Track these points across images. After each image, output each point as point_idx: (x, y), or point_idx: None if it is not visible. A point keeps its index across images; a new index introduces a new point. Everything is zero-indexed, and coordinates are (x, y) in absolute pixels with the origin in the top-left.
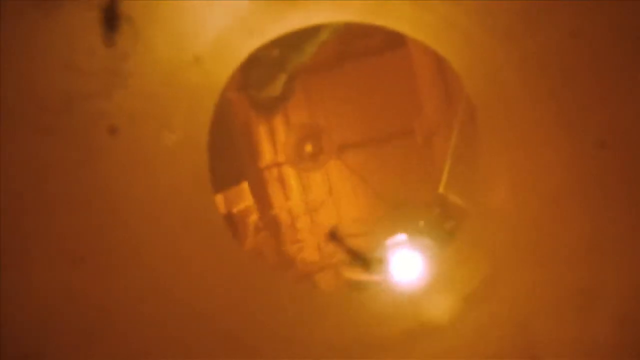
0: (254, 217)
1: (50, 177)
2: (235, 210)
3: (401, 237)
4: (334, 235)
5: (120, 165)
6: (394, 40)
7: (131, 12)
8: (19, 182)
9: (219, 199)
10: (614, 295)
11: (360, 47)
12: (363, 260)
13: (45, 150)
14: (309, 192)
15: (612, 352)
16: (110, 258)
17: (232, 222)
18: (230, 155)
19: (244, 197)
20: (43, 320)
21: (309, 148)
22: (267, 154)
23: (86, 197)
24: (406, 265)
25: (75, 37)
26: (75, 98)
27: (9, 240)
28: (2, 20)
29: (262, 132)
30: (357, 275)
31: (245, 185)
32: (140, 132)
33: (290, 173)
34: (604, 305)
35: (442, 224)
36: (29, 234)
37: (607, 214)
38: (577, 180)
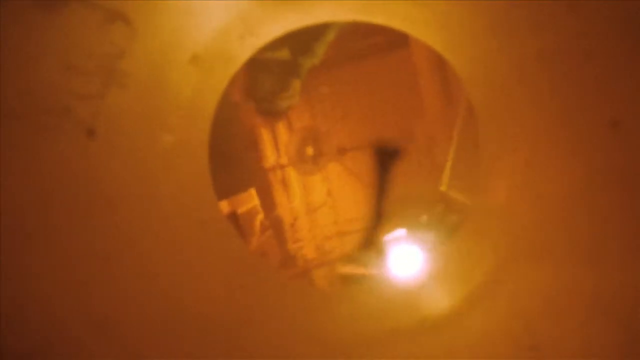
0: (260, 217)
1: (49, 177)
2: (240, 211)
3: (400, 232)
4: (387, 153)
5: (119, 165)
6: (394, 42)
7: (130, 11)
8: (18, 181)
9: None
10: (617, 295)
11: (362, 49)
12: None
13: (45, 150)
14: (309, 194)
15: (614, 353)
16: (111, 258)
17: (238, 222)
18: (231, 157)
19: (249, 198)
20: (44, 321)
21: (309, 151)
22: (270, 156)
23: (85, 197)
24: (405, 260)
25: (74, 38)
26: (74, 98)
27: (8, 241)
28: (2, 20)
29: (264, 133)
30: (350, 269)
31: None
32: (139, 133)
33: (292, 175)
34: (607, 305)
35: (444, 218)
36: (29, 235)
37: (611, 213)
38: (580, 178)
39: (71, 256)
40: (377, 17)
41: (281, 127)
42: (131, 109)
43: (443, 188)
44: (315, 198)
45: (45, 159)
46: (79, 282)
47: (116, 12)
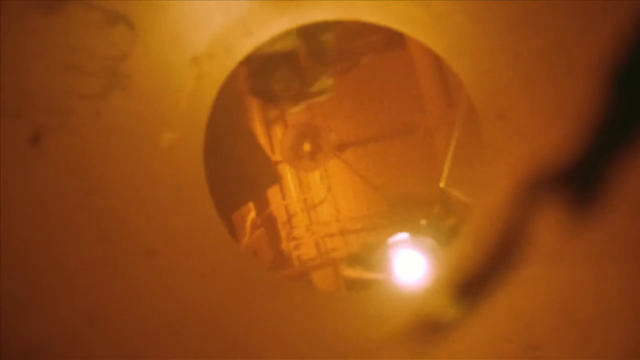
0: (252, 216)
1: (49, 177)
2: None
3: (403, 235)
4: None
5: (118, 165)
6: (394, 39)
7: (130, 12)
8: (17, 180)
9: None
10: (618, 297)
11: (361, 46)
12: None
13: (44, 150)
14: (307, 191)
15: (614, 354)
16: (109, 257)
17: (230, 221)
18: (229, 155)
19: None
20: (44, 321)
21: (307, 147)
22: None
23: (84, 197)
24: (408, 264)
25: (74, 38)
26: (74, 98)
27: (8, 240)
28: (2, 20)
29: (259, 130)
30: (356, 273)
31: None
32: (139, 133)
33: (288, 171)
34: (608, 307)
35: (443, 221)
36: (28, 234)
37: (610, 217)
38: None
39: (70, 255)
40: (376, 17)
41: (275, 123)
42: (131, 110)
43: (442, 185)
44: (314, 195)
45: (44, 158)
46: (77, 281)
47: (117, 14)
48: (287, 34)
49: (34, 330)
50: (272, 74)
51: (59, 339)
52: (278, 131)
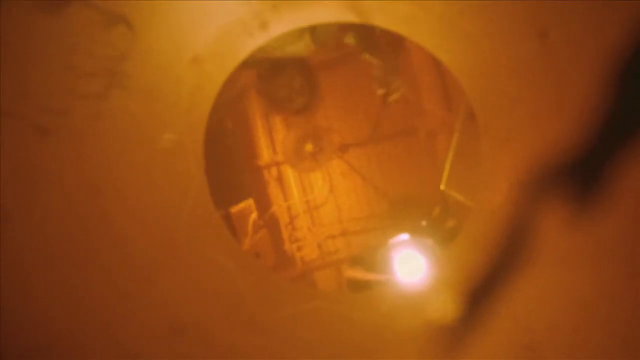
0: (253, 216)
1: (48, 177)
2: (233, 210)
3: (404, 236)
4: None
5: (118, 165)
6: (393, 40)
7: (130, 12)
8: (18, 181)
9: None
10: (614, 298)
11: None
12: None
13: (45, 150)
14: (309, 192)
15: (609, 354)
16: (106, 258)
17: (231, 221)
18: (229, 155)
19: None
20: (45, 321)
21: (309, 147)
22: (265, 153)
23: (84, 196)
24: (408, 265)
25: (75, 38)
26: (74, 98)
27: (8, 241)
28: (3, 21)
29: (261, 130)
30: (359, 274)
31: (244, 185)
32: (139, 133)
33: (289, 172)
34: (604, 307)
35: (444, 222)
36: (28, 234)
37: (612, 218)
38: None
39: (69, 256)
40: (375, 19)
41: (277, 124)
42: (131, 110)
43: (442, 187)
44: (316, 196)
45: (44, 158)
46: (76, 282)
47: (117, 14)
48: (299, 38)
49: (31, 330)
50: (281, 81)
51: (54, 341)
52: (280, 131)
